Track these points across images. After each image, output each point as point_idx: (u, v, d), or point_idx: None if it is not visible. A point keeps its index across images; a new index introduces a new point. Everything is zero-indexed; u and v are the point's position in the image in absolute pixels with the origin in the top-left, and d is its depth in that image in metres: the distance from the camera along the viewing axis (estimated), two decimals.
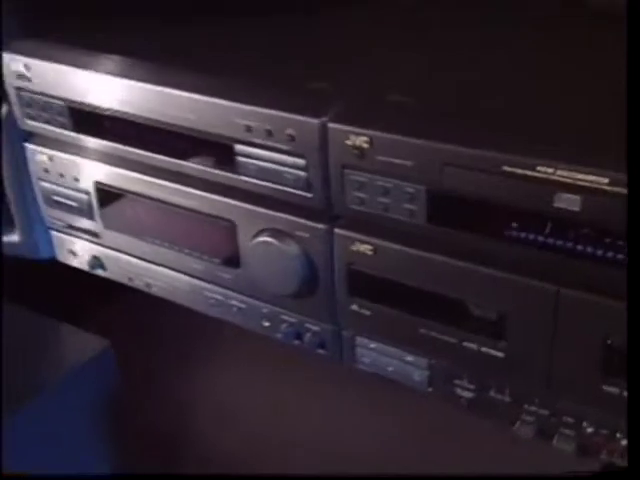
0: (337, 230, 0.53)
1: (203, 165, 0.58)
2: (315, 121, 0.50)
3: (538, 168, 0.43)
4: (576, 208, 0.43)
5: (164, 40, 0.65)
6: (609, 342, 0.46)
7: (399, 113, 0.50)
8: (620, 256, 0.43)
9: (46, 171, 0.68)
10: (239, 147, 0.55)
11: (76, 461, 0.74)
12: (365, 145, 0.49)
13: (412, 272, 0.51)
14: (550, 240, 0.45)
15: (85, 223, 0.69)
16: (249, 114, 0.53)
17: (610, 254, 0.44)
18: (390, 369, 0.57)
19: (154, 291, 0.69)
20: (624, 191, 0.41)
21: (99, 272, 0.71)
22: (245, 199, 0.57)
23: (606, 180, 0.41)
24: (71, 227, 0.70)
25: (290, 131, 0.51)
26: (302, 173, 0.52)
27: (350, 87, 0.54)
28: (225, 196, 0.58)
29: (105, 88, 0.60)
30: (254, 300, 0.62)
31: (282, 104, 0.52)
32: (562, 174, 0.43)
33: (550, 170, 0.43)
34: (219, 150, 0.56)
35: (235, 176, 0.56)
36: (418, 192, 0.48)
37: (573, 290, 0.46)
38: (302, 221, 0.55)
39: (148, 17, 0.68)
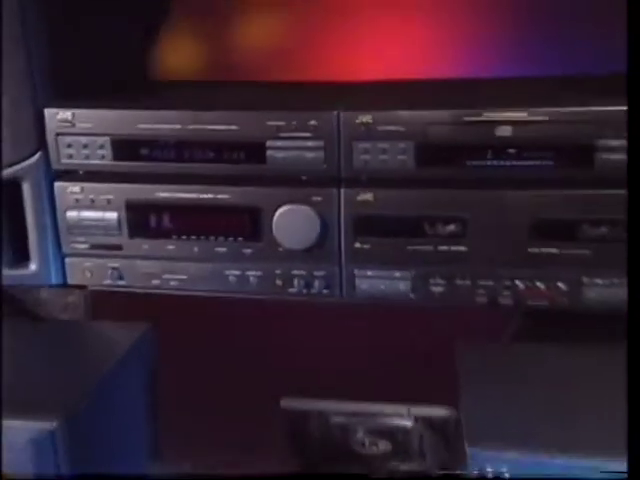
0: (344, 189, 0.81)
1: (236, 165, 0.82)
2: (334, 112, 0.78)
3: (485, 114, 0.76)
4: (508, 134, 0.76)
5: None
6: (534, 220, 0.77)
7: (391, 97, 0.80)
8: (537, 162, 0.76)
9: (77, 201, 0.86)
10: (270, 142, 0.80)
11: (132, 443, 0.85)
12: (370, 121, 0.78)
13: (402, 205, 0.80)
14: (494, 162, 0.77)
15: (110, 239, 0.87)
16: (279, 116, 0.79)
17: (531, 162, 0.76)
18: (382, 287, 0.83)
19: (172, 285, 0.87)
20: (538, 118, 0.75)
21: (118, 282, 0.88)
22: (268, 185, 0.82)
23: (525, 114, 0.75)
24: (93, 247, 0.87)
25: (313, 122, 0.79)
26: (321, 152, 0.79)
27: None
28: (251, 186, 0.82)
29: (144, 120, 0.82)
30: (268, 265, 0.84)
31: (300, 105, 0.80)
32: (498, 115, 0.76)
33: (492, 114, 0.76)
34: (252, 149, 0.81)
35: (265, 166, 0.81)
36: (408, 146, 0.78)
37: (512, 190, 0.77)
38: (316, 190, 0.81)
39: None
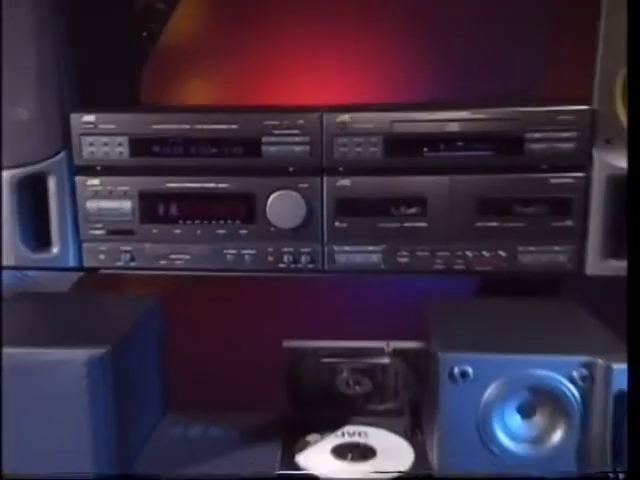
0: (326, 177, 0.98)
1: (235, 158, 0.99)
2: (318, 113, 0.97)
3: (437, 114, 0.96)
4: (456, 130, 0.96)
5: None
6: (479, 200, 0.97)
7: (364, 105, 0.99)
8: (479, 152, 0.96)
9: (96, 192, 1.01)
10: (264, 139, 0.98)
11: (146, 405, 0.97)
12: (347, 120, 0.97)
13: (373, 190, 0.98)
14: (445, 153, 0.97)
15: (124, 225, 1.01)
16: (273, 117, 0.97)
17: (475, 152, 0.96)
18: (358, 260, 1.00)
19: (178, 265, 1.02)
20: (479, 117, 0.95)
21: (130, 264, 1.02)
22: (262, 175, 0.99)
23: (469, 113, 0.95)
24: (109, 232, 1.02)
25: (300, 121, 0.97)
26: (307, 146, 0.98)
27: None
28: (247, 176, 0.99)
29: (157, 121, 0.99)
30: (261, 244, 1.01)
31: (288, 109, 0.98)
32: (447, 114, 0.96)
33: (442, 114, 0.96)
34: (249, 144, 0.98)
35: (260, 159, 0.98)
36: (378, 140, 0.97)
37: (460, 175, 0.97)
38: (302, 178, 0.99)
39: None
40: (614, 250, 0.96)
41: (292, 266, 1.01)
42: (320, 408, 0.98)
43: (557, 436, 0.83)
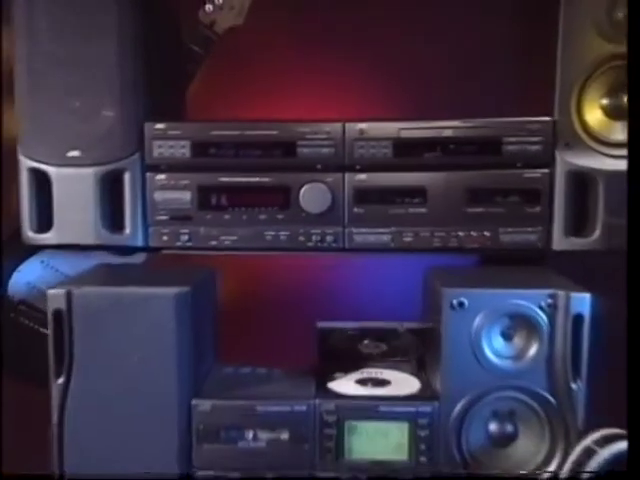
0: (347, 173, 1.25)
1: (274, 158, 1.25)
2: (341, 123, 1.24)
3: (434, 123, 1.23)
4: (450, 135, 1.23)
5: None
6: (468, 190, 1.23)
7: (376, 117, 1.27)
8: (468, 152, 1.23)
9: (162, 186, 1.26)
10: (299, 142, 1.24)
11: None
12: (365, 128, 1.24)
13: (384, 183, 1.24)
14: (441, 153, 1.23)
15: (184, 212, 1.26)
16: (305, 125, 1.24)
17: (464, 153, 1.23)
18: (371, 239, 1.26)
19: (226, 245, 1.27)
20: (468, 125, 1.22)
21: (187, 244, 1.27)
22: (297, 171, 1.25)
23: (459, 122, 1.23)
24: (172, 218, 1.27)
25: (327, 129, 1.24)
26: (333, 149, 1.24)
27: None
28: (285, 172, 1.25)
29: (215, 129, 1.25)
30: (294, 226, 1.26)
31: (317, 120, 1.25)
32: (443, 123, 1.23)
33: (439, 124, 1.23)
34: (287, 147, 1.25)
35: (295, 158, 1.25)
36: (388, 144, 1.24)
37: (453, 172, 1.23)
38: (328, 174, 1.25)
39: None
40: (574, 230, 1.22)
41: (319, 245, 1.26)
42: (345, 362, 1.22)
43: (531, 353, 1.07)
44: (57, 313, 1.07)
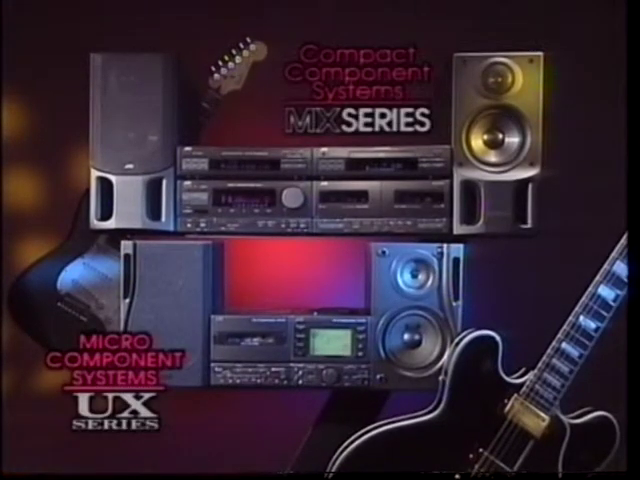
0: (314, 181, 1.85)
1: (264, 171, 1.85)
2: (311, 149, 1.85)
3: (373, 149, 1.85)
4: (383, 156, 1.85)
5: None
6: (395, 193, 1.84)
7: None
8: (394, 168, 1.84)
9: (188, 189, 1.85)
10: (282, 160, 1.85)
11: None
12: (326, 150, 1.85)
13: (339, 188, 1.85)
14: (378, 168, 1.85)
15: (202, 207, 1.85)
16: (287, 150, 1.85)
17: (392, 168, 1.84)
18: (331, 227, 1.85)
19: (231, 230, 1.85)
20: (395, 149, 1.84)
21: (204, 230, 1.85)
22: (281, 179, 1.85)
23: (389, 148, 1.85)
24: (195, 210, 1.85)
25: (301, 151, 1.85)
26: (304, 165, 1.85)
27: None
28: (271, 180, 1.85)
29: (226, 150, 1.85)
30: (278, 218, 1.84)
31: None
32: (378, 149, 1.85)
33: (376, 149, 1.85)
34: (272, 163, 1.85)
35: (279, 171, 1.85)
36: (342, 161, 1.84)
37: (385, 181, 1.84)
38: (302, 182, 1.85)
39: None
40: (466, 220, 1.83)
41: (295, 230, 1.85)
42: None
43: (428, 284, 1.68)
44: (127, 256, 1.65)
